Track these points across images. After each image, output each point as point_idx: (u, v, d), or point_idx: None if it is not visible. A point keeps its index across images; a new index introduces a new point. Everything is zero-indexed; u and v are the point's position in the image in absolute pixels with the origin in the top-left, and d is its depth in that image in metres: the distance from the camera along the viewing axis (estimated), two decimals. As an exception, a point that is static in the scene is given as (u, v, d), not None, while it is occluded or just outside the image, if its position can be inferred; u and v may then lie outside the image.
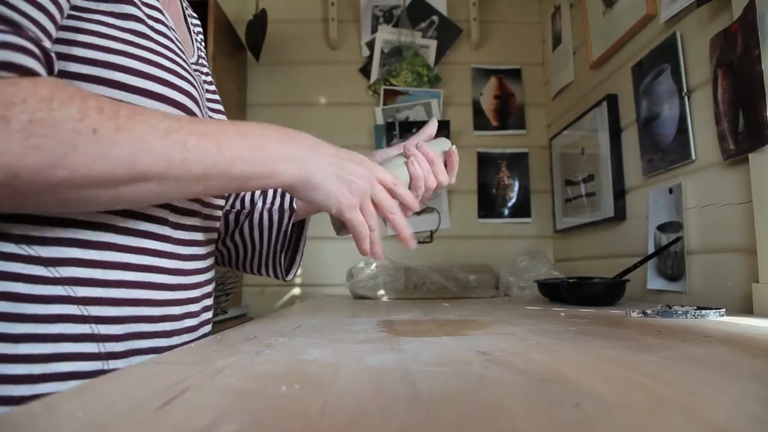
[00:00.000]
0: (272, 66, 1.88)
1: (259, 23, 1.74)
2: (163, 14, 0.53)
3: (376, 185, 0.54)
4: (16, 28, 0.37)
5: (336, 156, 0.52)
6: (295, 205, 0.72)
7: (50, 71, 0.39)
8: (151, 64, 0.47)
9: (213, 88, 0.68)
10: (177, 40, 0.54)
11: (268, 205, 0.73)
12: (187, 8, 0.69)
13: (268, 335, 0.50)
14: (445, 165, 0.63)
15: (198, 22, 0.72)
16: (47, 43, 0.39)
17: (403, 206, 0.58)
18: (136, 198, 0.42)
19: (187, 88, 0.51)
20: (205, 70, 0.66)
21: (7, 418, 0.22)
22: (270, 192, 0.74)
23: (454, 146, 0.64)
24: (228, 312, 1.45)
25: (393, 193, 0.56)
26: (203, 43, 0.72)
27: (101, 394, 0.27)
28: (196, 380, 0.29)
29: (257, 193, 0.74)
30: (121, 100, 0.44)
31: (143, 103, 0.46)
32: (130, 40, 0.47)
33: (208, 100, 0.64)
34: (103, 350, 0.46)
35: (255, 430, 0.21)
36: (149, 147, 0.39)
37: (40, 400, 0.25)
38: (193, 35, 0.67)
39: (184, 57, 0.54)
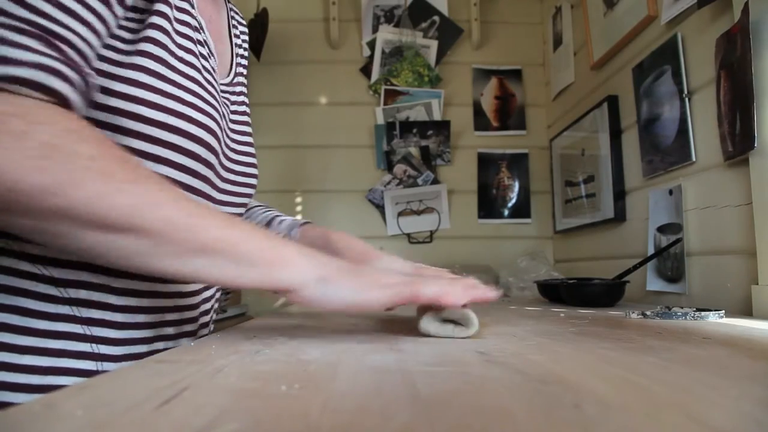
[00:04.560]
0: (273, 65, 1.88)
1: (260, 22, 1.74)
2: (193, 41, 0.51)
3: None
4: (58, 51, 0.38)
5: (352, 266, 0.46)
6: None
7: (86, 97, 0.41)
8: (170, 98, 0.47)
9: (244, 108, 0.66)
10: (205, 69, 0.53)
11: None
12: (233, 17, 0.68)
13: (268, 334, 0.50)
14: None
15: (244, 30, 0.72)
16: (88, 69, 0.40)
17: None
18: (127, 253, 0.39)
19: (207, 122, 0.51)
20: (239, 89, 0.65)
21: (6, 416, 0.22)
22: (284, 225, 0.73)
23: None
24: (227, 311, 1.45)
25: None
26: (245, 56, 0.71)
27: (100, 392, 0.27)
28: (195, 379, 0.29)
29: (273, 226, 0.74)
30: (139, 132, 0.45)
31: (161, 135, 0.47)
32: (151, 69, 0.46)
33: (234, 122, 0.63)
34: (101, 368, 0.47)
35: (254, 430, 0.21)
36: (156, 203, 0.38)
37: (39, 398, 0.25)
38: (235, 48, 0.66)
39: (211, 84, 0.53)
